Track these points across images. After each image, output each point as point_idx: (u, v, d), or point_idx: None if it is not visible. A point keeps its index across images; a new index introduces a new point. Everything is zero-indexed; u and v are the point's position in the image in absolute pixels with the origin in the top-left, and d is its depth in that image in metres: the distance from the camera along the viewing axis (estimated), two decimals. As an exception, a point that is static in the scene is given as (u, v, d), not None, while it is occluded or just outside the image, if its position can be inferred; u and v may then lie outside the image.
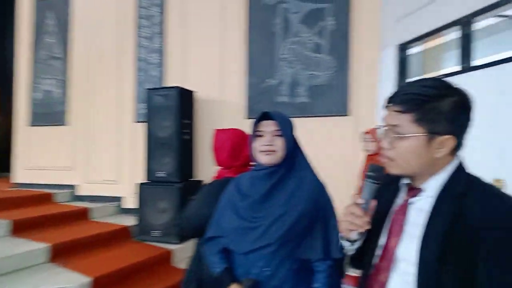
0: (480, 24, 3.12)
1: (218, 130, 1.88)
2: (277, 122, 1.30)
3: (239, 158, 1.78)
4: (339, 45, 4.20)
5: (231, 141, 1.77)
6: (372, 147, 2.70)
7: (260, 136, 1.33)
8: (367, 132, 2.78)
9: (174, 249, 3.62)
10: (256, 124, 1.34)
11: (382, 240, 1.00)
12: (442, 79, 0.92)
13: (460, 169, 0.94)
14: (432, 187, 0.93)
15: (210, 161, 4.49)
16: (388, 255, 0.97)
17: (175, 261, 3.58)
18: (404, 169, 0.95)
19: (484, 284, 0.80)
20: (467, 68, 2.96)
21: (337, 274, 1.26)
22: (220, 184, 1.67)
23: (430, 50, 3.89)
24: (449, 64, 3.85)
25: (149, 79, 4.86)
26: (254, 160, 1.39)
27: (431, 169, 0.93)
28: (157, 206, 3.83)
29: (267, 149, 1.30)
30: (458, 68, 3.16)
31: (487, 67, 2.70)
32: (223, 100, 4.54)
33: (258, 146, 1.33)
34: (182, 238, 1.67)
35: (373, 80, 4.07)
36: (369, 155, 2.72)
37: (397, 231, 0.97)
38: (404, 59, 3.87)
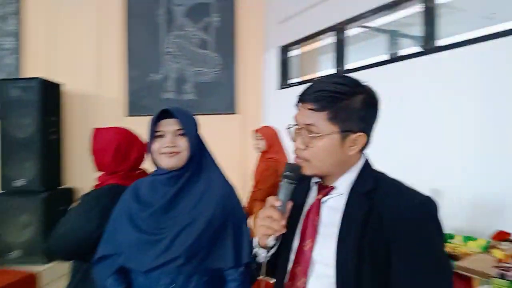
0: (351, 31, 3.45)
1: (98, 129, 1.60)
2: (179, 120, 1.16)
3: (126, 161, 1.54)
4: (225, 43, 4.17)
5: (116, 142, 1.52)
6: (262, 145, 2.72)
7: (160, 136, 1.17)
8: (257, 130, 2.79)
9: (40, 271, 3.07)
10: (155, 123, 1.17)
11: (296, 243, 0.95)
12: (350, 76, 0.92)
13: (367, 165, 0.95)
14: (344, 185, 0.92)
15: (84, 165, 3.95)
16: (304, 258, 0.92)
17: (42, 285, 3.04)
18: (319, 169, 0.92)
19: (399, 277, 0.81)
20: (341, 71, 3.23)
21: (248, 280, 1.18)
22: (104, 192, 1.42)
23: (308, 53, 4.17)
24: (325, 67, 4.20)
25: (1, 68, 4.04)
26: (155, 164, 1.21)
27: (343, 167, 0.93)
28: (17, 221, 3.21)
29: (169, 151, 1.15)
30: (334, 70, 3.44)
31: (359, 70, 2.98)
32: (99, 95, 4.05)
33: (158, 147, 1.17)
34: (50, 259, 1.36)
35: (259, 80, 4.16)
36: (262, 153, 2.74)
37: (311, 233, 0.93)
38: (285, 60, 4.05)
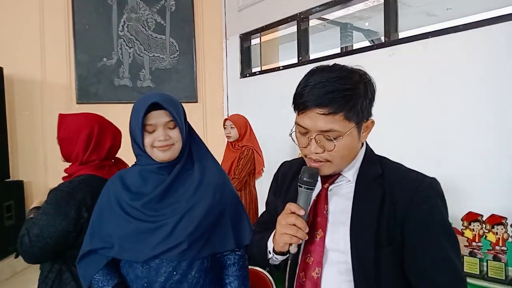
0: (312, 22, 3.52)
1: (64, 115, 1.44)
2: (170, 112, 1.10)
3: (99, 150, 1.41)
4: (183, 29, 4.03)
5: (88, 128, 1.38)
6: (234, 133, 2.69)
7: (150, 129, 1.11)
8: (227, 119, 2.76)
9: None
10: (144, 116, 1.09)
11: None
12: (342, 65, 0.90)
13: (369, 150, 0.98)
14: (351, 172, 0.94)
15: (36, 156, 3.66)
16: (317, 249, 0.93)
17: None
18: (340, 166, 0.92)
19: (416, 252, 0.85)
20: (305, 61, 3.29)
21: (247, 264, 1.22)
22: (79, 185, 1.30)
23: (268, 42, 4.17)
24: (286, 57, 4.25)
25: None
26: (141, 154, 1.15)
27: (354, 156, 0.94)
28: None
29: (163, 145, 1.11)
30: (295, 60, 3.49)
31: (325, 60, 3.06)
32: (44, 81, 3.72)
33: (151, 141, 1.11)
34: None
35: (219, 67, 4.10)
36: (233, 142, 2.72)
37: (322, 222, 0.94)
38: (248, 48, 4.02)
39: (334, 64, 0.89)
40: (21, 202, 3.45)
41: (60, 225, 1.25)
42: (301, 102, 0.86)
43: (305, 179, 0.88)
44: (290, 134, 0.92)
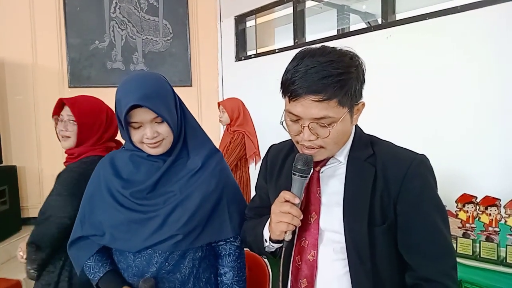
0: (308, 4, 3.46)
1: (74, 99, 1.39)
2: (154, 109, 1.00)
3: (109, 132, 1.42)
4: (177, 10, 3.95)
5: (105, 112, 1.41)
6: (225, 118, 2.68)
7: (136, 126, 1.04)
8: (219, 103, 2.74)
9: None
10: (127, 112, 1.01)
11: None
12: (332, 47, 0.86)
13: (359, 131, 0.97)
14: (343, 153, 0.94)
15: (29, 141, 3.62)
16: (312, 231, 0.93)
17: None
18: (334, 151, 0.91)
19: (409, 227, 0.86)
20: (302, 43, 3.25)
21: (243, 254, 1.18)
22: (91, 166, 1.25)
23: (263, 24, 4.11)
24: (282, 39, 4.18)
25: None
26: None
27: (347, 138, 0.93)
28: None
29: (152, 142, 1.04)
30: (291, 43, 3.44)
31: (321, 42, 3.01)
32: (36, 64, 3.65)
33: (139, 138, 1.05)
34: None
35: (214, 50, 4.04)
36: (227, 126, 2.70)
37: (315, 204, 0.94)
38: (243, 30, 3.96)
39: (324, 47, 0.85)
40: (15, 187, 3.43)
41: (73, 206, 1.22)
42: (292, 89, 0.82)
43: (299, 167, 0.87)
44: (281, 122, 0.89)
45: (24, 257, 1.31)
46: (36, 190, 3.68)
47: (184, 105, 1.15)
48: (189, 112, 1.16)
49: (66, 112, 1.36)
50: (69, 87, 3.75)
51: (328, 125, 0.82)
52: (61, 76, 3.74)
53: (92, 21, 3.80)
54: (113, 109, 1.43)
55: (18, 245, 1.37)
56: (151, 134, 1.02)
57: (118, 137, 1.51)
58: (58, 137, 1.41)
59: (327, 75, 0.79)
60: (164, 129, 1.04)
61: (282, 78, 0.86)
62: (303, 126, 0.84)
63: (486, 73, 2.04)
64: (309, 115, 0.82)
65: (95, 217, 1.10)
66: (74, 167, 1.30)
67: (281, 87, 0.87)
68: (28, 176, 3.65)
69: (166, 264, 1.05)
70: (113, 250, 1.13)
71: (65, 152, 1.41)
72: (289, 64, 0.86)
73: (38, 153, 3.66)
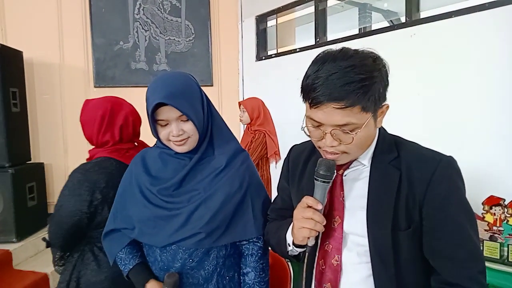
0: (329, 2, 3.43)
1: (88, 100, 1.49)
2: (178, 107, 1.03)
3: (111, 130, 1.42)
4: (198, 11, 3.99)
5: (102, 110, 1.40)
6: (245, 117, 2.69)
7: (163, 123, 1.07)
8: (240, 103, 2.76)
9: (13, 249, 2.92)
10: (154, 110, 1.05)
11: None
12: (353, 49, 0.84)
13: (384, 132, 0.94)
14: (366, 156, 0.91)
15: (54, 139, 3.74)
16: (336, 235, 0.93)
17: (17, 263, 2.91)
18: (356, 155, 0.90)
19: (436, 231, 0.84)
20: (323, 42, 3.22)
21: (267, 255, 1.18)
22: (91, 167, 1.34)
23: (284, 24, 4.10)
24: (303, 39, 4.17)
25: None
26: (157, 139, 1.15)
27: (371, 143, 0.91)
28: (-18, 198, 2.99)
29: (178, 140, 1.07)
30: (312, 42, 3.43)
31: (342, 41, 2.99)
32: (63, 64, 3.77)
33: (165, 135, 1.08)
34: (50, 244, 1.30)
35: (235, 50, 4.06)
36: (247, 125, 2.72)
37: (339, 209, 0.93)
38: (264, 30, 3.96)
39: (345, 50, 0.83)
40: (42, 183, 3.55)
41: (74, 206, 1.30)
42: (314, 96, 0.80)
43: (322, 172, 0.86)
44: (302, 128, 0.88)
45: None
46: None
47: (212, 104, 1.17)
48: (216, 111, 1.18)
49: None
50: (95, 86, 3.85)
51: (351, 131, 0.81)
52: (86, 76, 3.84)
53: (117, 22, 3.89)
54: (121, 106, 1.48)
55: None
56: (176, 132, 1.05)
57: (144, 137, 1.56)
58: None
59: (349, 81, 0.77)
60: (189, 128, 1.06)
61: (302, 83, 0.84)
62: (325, 133, 0.83)
63: (516, 72, 1.97)
64: (331, 122, 0.80)
65: (126, 211, 1.15)
66: (79, 168, 1.36)
67: (301, 92, 0.85)
68: (55, 173, 3.77)
69: (190, 260, 1.08)
70: (143, 244, 1.17)
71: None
72: (309, 68, 0.84)
73: (65, 151, 3.78)
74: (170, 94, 1.02)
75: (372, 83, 0.79)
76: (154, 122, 1.07)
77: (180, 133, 1.06)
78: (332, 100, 0.78)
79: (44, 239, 1.38)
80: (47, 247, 1.37)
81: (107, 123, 1.40)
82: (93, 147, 1.48)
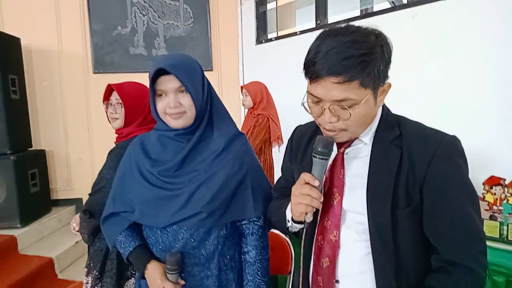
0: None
1: (119, 85, 1.53)
2: (178, 77, 1.05)
3: (144, 113, 1.53)
4: (197, -6, 3.93)
5: (148, 95, 1.53)
6: (248, 101, 2.68)
7: (162, 95, 1.09)
8: (242, 87, 2.74)
9: (18, 235, 2.96)
10: (154, 80, 1.08)
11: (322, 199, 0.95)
12: (356, 26, 0.82)
13: (387, 111, 0.94)
14: (368, 134, 0.91)
15: (56, 126, 3.74)
16: (334, 212, 0.94)
17: (22, 248, 2.95)
18: (356, 133, 0.90)
19: (436, 211, 0.84)
20: (324, 25, 3.18)
21: (267, 233, 1.19)
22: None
23: (284, 6, 4.04)
24: (303, 21, 4.11)
25: None
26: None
27: (372, 119, 0.91)
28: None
29: (174, 112, 1.07)
30: (312, 24, 3.38)
31: (344, 23, 2.95)
32: (61, 50, 3.73)
33: (162, 108, 1.09)
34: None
35: (234, 34, 4.01)
36: (250, 109, 2.71)
37: (338, 186, 0.94)
38: (263, 13, 3.91)
39: (347, 26, 0.82)
40: (44, 170, 3.57)
41: None
42: (313, 71, 0.80)
43: (319, 149, 0.86)
44: (302, 104, 0.88)
45: (77, 228, 1.47)
46: (64, 173, 3.81)
47: (213, 88, 1.18)
48: (216, 95, 1.19)
49: (115, 96, 1.50)
50: (94, 72, 3.83)
51: (349, 107, 0.81)
52: (85, 62, 3.81)
53: (114, 7, 3.84)
54: None
55: (72, 217, 1.54)
56: (173, 103, 1.06)
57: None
58: (108, 119, 1.55)
59: (348, 55, 0.77)
60: (186, 101, 1.08)
61: (305, 58, 0.84)
62: (324, 108, 0.83)
63: (518, 52, 1.95)
64: (329, 97, 0.81)
65: (126, 194, 1.16)
66: (123, 145, 1.40)
67: (303, 68, 0.85)
68: (56, 160, 3.78)
69: (192, 240, 1.09)
70: (143, 226, 1.18)
71: (115, 132, 1.55)
72: (312, 44, 0.84)
73: (66, 138, 3.78)
74: (172, 64, 1.05)
75: (372, 59, 0.78)
76: (154, 95, 1.09)
77: (177, 105, 1.07)
78: (331, 74, 0.78)
79: (85, 211, 1.42)
80: (89, 218, 1.41)
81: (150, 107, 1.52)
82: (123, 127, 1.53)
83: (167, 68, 1.03)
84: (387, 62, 0.83)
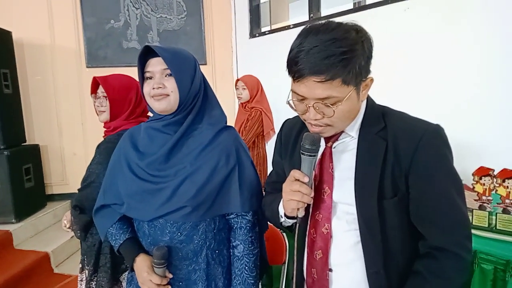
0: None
1: (104, 78, 1.52)
2: (164, 58, 1.05)
3: (140, 107, 1.54)
4: (189, -13, 3.91)
5: (135, 88, 1.53)
6: (245, 95, 2.68)
7: (149, 78, 1.09)
8: (239, 79, 2.74)
9: (13, 230, 2.96)
10: (142, 63, 1.08)
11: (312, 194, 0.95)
12: (337, 22, 0.83)
13: (370, 104, 0.95)
14: (354, 127, 0.93)
15: (49, 120, 3.72)
16: (325, 205, 0.96)
17: (17, 244, 2.96)
18: (341, 128, 0.91)
19: (422, 199, 0.86)
20: (317, 18, 3.19)
21: (258, 228, 1.19)
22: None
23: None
24: (296, 14, 4.11)
25: None
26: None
27: (356, 113, 0.92)
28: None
29: (157, 93, 1.07)
30: (305, 18, 3.39)
31: (337, 16, 2.96)
32: (54, 45, 3.70)
33: (148, 90, 1.09)
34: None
35: (228, 27, 4.01)
36: (243, 103, 2.71)
37: (328, 180, 0.95)
38: (256, 6, 3.90)
39: (328, 22, 0.83)
40: (39, 165, 3.56)
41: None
42: (296, 70, 0.81)
43: (307, 146, 0.88)
44: (288, 102, 0.89)
45: (68, 225, 1.47)
46: (59, 168, 3.80)
47: (207, 83, 1.18)
48: (212, 91, 1.19)
49: (101, 89, 1.49)
50: (87, 67, 3.81)
51: (332, 104, 0.82)
52: (78, 56, 3.79)
53: (107, 0, 3.81)
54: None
55: (64, 214, 1.54)
56: (157, 84, 1.07)
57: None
58: (96, 112, 1.55)
59: (329, 54, 0.77)
60: (170, 84, 1.08)
61: (287, 57, 0.85)
62: (308, 106, 0.85)
63: (509, 45, 1.98)
64: (313, 96, 0.82)
65: (116, 187, 1.16)
66: (111, 139, 1.41)
67: (286, 66, 0.86)
68: (50, 155, 3.77)
69: (179, 234, 1.09)
70: (133, 219, 1.18)
71: (104, 126, 1.54)
72: (293, 42, 0.85)
73: (59, 133, 3.77)
74: (161, 48, 1.06)
75: (353, 56, 0.79)
76: (142, 76, 1.10)
77: (160, 86, 1.06)
78: (313, 74, 0.79)
79: (75, 206, 1.42)
80: (79, 214, 1.41)
81: (138, 101, 1.52)
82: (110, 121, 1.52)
83: (154, 48, 1.04)
84: (368, 58, 0.84)
